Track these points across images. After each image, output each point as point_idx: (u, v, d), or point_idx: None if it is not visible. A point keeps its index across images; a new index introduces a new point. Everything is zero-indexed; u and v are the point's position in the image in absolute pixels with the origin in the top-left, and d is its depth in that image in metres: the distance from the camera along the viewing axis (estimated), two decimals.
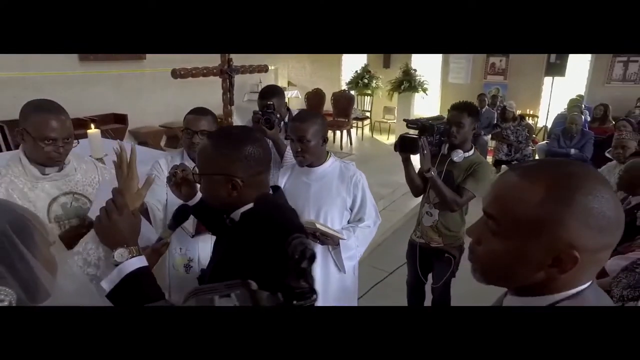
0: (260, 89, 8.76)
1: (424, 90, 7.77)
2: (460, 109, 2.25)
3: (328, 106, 7.76)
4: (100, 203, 1.00)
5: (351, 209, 1.92)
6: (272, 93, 2.47)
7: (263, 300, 0.73)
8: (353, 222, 1.93)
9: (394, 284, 3.31)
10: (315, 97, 7.84)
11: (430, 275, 2.56)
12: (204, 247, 1.81)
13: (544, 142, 5.86)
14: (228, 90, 3.08)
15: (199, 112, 1.80)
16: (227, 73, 3.02)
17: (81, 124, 5.51)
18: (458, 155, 2.24)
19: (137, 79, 6.33)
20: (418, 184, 2.36)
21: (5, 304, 0.63)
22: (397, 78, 7.84)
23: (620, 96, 6.84)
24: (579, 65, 7.26)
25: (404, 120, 2.45)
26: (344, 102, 7.45)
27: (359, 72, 8.46)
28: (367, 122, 8.42)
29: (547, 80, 7.18)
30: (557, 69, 6.54)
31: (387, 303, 2.99)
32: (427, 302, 2.70)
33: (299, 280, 0.76)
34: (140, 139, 5.97)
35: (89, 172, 1.63)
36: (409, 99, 7.78)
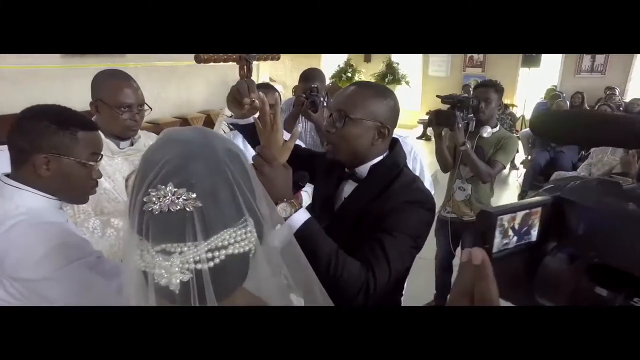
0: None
1: (407, 82, 7.97)
2: (488, 86, 2.38)
3: None
4: None
5: None
6: (315, 76, 2.45)
7: None
8: None
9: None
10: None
11: (458, 250, 2.66)
12: None
13: (526, 129, 6.16)
14: (246, 76, 3.05)
15: (266, 86, 1.81)
16: (245, 59, 2.99)
17: None
18: (487, 131, 2.35)
19: None
20: (448, 160, 2.44)
21: (247, 249, 0.56)
22: (380, 71, 8.00)
23: (588, 86, 7.30)
24: (552, 56, 7.68)
25: (437, 96, 2.51)
26: None
27: (342, 66, 8.55)
28: None
29: (522, 71, 7.56)
30: (532, 61, 6.90)
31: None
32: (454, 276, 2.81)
33: None
34: None
35: None
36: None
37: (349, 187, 1.15)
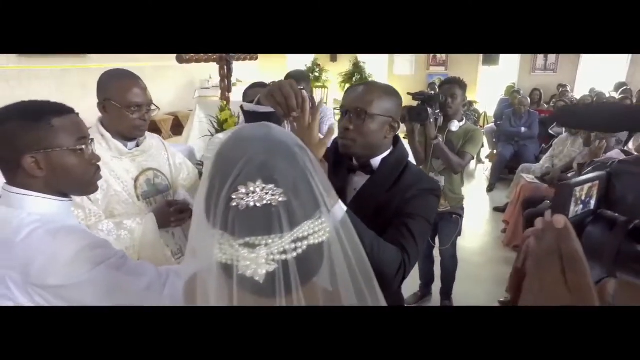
0: (210, 84, 8.42)
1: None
2: (453, 82, 2.55)
3: None
4: None
5: None
6: (300, 77, 2.49)
7: None
8: None
9: None
10: None
11: (437, 240, 2.79)
12: None
13: (490, 124, 6.47)
14: (226, 77, 3.04)
15: (263, 85, 1.81)
16: (225, 60, 2.98)
17: None
18: (455, 125, 2.50)
19: (81, 75, 5.85)
20: (421, 154, 2.57)
21: (324, 239, 0.58)
22: (348, 70, 8.11)
23: (542, 83, 7.76)
24: (510, 55, 8.10)
25: (409, 93, 2.60)
26: None
27: (309, 66, 8.60)
28: None
29: (483, 69, 7.93)
30: (492, 59, 7.27)
31: None
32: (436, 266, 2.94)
33: None
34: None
35: (159, 148, 1.57)
36: None
37: (359, 179, 1.22)
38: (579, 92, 7.59)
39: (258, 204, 0.53)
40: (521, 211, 3.58)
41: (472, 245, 3.82)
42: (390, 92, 1.18)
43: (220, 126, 2.58)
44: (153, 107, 1.42)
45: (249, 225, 0.54)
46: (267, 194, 0.53)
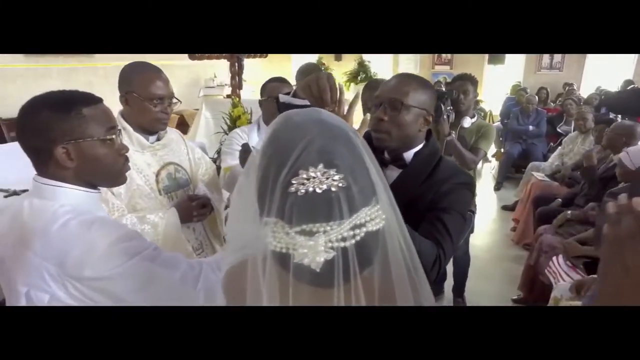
0: (215, 83, 8.41)
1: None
2: (465, 79, 2.53)
3: None
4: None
5: None
6: (312, 70, 2.48)
7: None
8: None
9: None
10: None
11: None
12: None
13: (496, 123, 6.45)
14: (237, 74, 3.02)
15: (281, 80, 1.79)
16: (237, 57, 2.97)
17: None
18: (468, 122, 2.49)
19: (88, 73, 5.84)
20: None
21: (380, 226, 0.57)
22: (353, 69, 8.09)
23: (548, 82, 7.72)
24: (515, 54, 8.06)
25: None
26: None
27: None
28: None
29: (488, 68, 7.91)
30: (498, 58, 7.25)
31: None
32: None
33: None
34: None
35: (178, 142, 1.56)
36: None
37: (391, 173, 1.20)
38: (585, 90, 7.56)
39: (318, 190, 0.52)
40: (532, 209, 3.56)
41: (481, 243, 3.80)
42: (425, 84, 1.17)
43: (233, 123, 2.57)
44: (174, 100, 1.40)
45: (308, 212, 0.52)
46: (327, 178, 0.52)
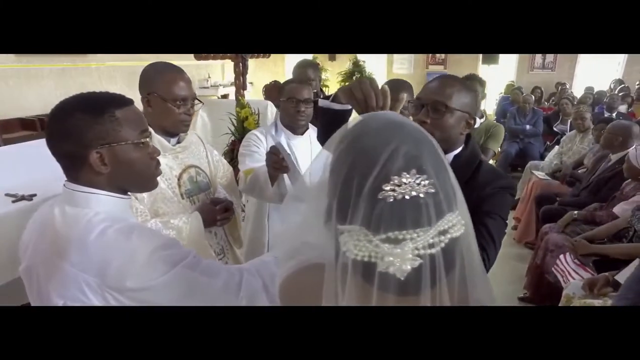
0: (209, 83, 8.38)
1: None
2: (472, 79, 2.58)
3: None
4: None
5: None
6: (309, 65, 2.46)
7: None
8: None
9: None
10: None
11: None
12: None
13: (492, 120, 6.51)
14: (241, 74, 2.99)
15: (300, 81, 1.77)
16: (241, 57, 2.93)
17: (26, 125, 4.87)
18: (477, 122, 2.51)
19: (82, 74, 5.74)
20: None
21: (461, 232, 0.56)
22: (348, 69, 8.09)
23: (540, 81, 7.83)
24: (508, 54, 8.15)
25: None
26: None
27: None
28: None
29: (481, 68, 7.96)
30: (492, 58, 7.29)
31: None
32: None
33: None
34: None
35: (197, 144, 1.53)
36: None
37: None
38: (577, 89, 7.68)
39: (407, 196, 0.50)
40: (533, 208, 3.59)
41: None
42: (468, 86, 1.15)
43: (241, 124, 2.53)
44: (196, 102, 1.37)
45: (397, 219, 0.51)
46: (419, 184, 0.50)
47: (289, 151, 1.36)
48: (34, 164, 2.23)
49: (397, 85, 1.65)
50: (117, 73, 6.21)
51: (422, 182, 0.51)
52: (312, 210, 0.66)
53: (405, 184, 0.50)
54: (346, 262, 0.54)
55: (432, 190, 0.51)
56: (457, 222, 0.55)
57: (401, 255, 0.51)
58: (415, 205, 0.51)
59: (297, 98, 1.69)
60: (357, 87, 0.93)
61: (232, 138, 2.61)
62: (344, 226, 0.54)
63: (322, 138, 1.22)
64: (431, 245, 0.52)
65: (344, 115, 1.07)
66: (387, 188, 0.50)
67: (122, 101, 0.91)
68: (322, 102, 1.06)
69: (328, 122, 1.19)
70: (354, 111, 1.07)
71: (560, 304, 2.17)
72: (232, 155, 2.46)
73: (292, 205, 0.69)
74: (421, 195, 0.51)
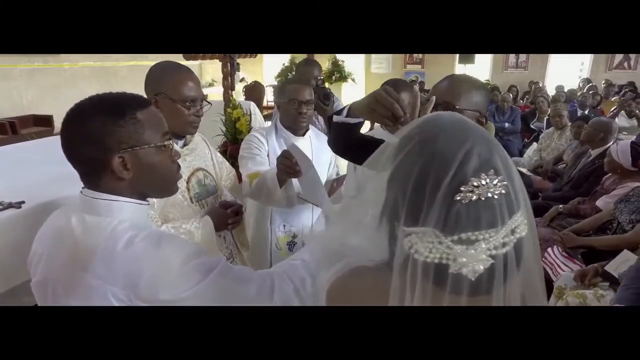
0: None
1: (353, 79, 8.18)
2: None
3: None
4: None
5: None
6: (313, 65, 2.44)
7: None
8: None
9: None
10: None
11: None
12: (307, 219, 1.78)
13: None
14: (229, 74, 2.94)
15: (302, 82, 1.75)
16: (229, 57, 2.88)
17: None
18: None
19: (54, 75, 5.52)
20: None
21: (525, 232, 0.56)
22: (327, 69, 8.10)
23: (514, 80, 8.08)
24: (483, 54, 8.37)
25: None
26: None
27: (286, 65, 8.52)
28: None
29: (459, 67, 8.15)
30: (468, 58, 7.49)
31: None
32: None
33: None
34: None
35: (203, 146, 1.49)
36: (339, 88, 8.13)
37: None
38: (549, 88, 7.95)
39: (482, 197, 0.50)
40: None
41: None
42: (478, 85, 1.16)
43: (233, 125, 2.48)
44: (205, 103, 1.34)
45: (472, 220, 0.51)
46: (495, 185, 0.51)
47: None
48: (10, 170, 2.13)
49: (397, 86, 1.65)
50: (91, 73, 6.00)
51: (498, 183, 0.51)
52: (358, 214, 0.65)
53: (483, 185, 0.50)
54: (415, 264, 0.54)
55: (504, 191, 0.52)
56: (521, 222, 0.55)
57: (475, 256, 0.51)
58: (489, 205, 0.51)
59: (299, 99, 1.67)
60: (378, 104, 0.93)
61: (224, 139, 2.56)
62: (412, 228, 0.53)
63: (336, 148, 1.22)
64: (503, 245, 0.52)
65: (356, 127, 1.09)
66: (465, 189, 0.50)
67: (142, 102, 0.87)
68: (336, 118, 1.06)
69: (341, 134, 1.18)
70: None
71: (551, 296, 2.24)
72: (225, 156, 2.42)
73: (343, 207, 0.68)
74: (495, 196, 0.51)
